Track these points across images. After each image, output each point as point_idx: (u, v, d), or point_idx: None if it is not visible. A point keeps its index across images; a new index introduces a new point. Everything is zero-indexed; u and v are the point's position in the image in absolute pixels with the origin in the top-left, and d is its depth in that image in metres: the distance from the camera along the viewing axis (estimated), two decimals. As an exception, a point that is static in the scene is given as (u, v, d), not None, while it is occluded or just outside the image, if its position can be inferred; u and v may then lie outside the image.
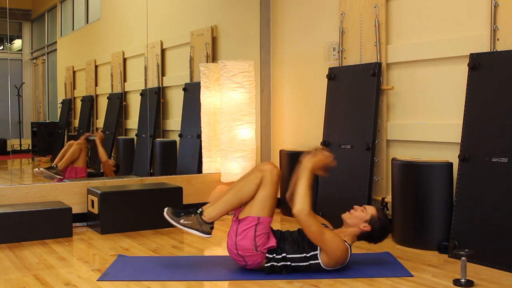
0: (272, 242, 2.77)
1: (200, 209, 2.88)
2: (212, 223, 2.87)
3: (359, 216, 2.87)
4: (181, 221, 2.86)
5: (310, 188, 2.74)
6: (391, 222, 2.95)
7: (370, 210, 2.88)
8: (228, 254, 2.93)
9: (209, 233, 2.86)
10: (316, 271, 2.75)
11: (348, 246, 2.78)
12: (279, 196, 4.73)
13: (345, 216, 2.91)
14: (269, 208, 2.78)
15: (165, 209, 2.91)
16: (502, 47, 3.16)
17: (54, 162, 5.28)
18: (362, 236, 2.88)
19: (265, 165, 2.85)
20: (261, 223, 2.75)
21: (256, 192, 2.80)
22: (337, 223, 3.00)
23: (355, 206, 2.94)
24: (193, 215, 2.86)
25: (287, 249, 2.77)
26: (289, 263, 2.76)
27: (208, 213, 2.86)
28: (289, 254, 2.76)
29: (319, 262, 2.74)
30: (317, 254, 2.74)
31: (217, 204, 2.88)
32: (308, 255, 2.75)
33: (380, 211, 2.92)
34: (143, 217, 3.98)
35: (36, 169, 5.28)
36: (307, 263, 2.75)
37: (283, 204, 4.68)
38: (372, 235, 2.87)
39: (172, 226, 2.91)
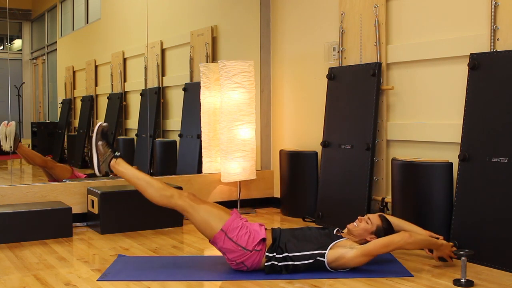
0: (261, 235, 2.77)
1: (119, 153, 2.90)
2: (112, 172, 2.89)
3: (364, 228, 2.92)
4: (99, 142, 2.87)
5: (418, 242, 2.82)
6: (393, 230, 2.97)
7: (375, 221, 2.94)
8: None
9: (102, 173, 2.89)
10: (317, 270, 2.75)
11: None
12: (278, 195, 4.76)
13: (351, 227, 2.95)
14: (218, 215, 2.80)
15: (102, 123, 2.91)
16: (502, 47, 3.16)
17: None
18: None
19: (182, 196, 2.83)
20: (228, 230, 2.76)
21: (158, 202, 2.86)
22: (337, 223, 3.00)
23: (359, 217, 2.99)
24: (110, 151, 2.88)
25: (290, 248, 2.77)
26: (290, 262, 2.76)
27: (118, 163, 2.88)
28: (292, 252, 2.76)
29: (324, 261, 2.75)
30: (324, 253, 2.75)
31: (131, 169, 2.91)
32: (314, 252, 2.75)
33: (384, 220, 2.96)
34: (143, 217, 3.98)
35: (6, 121, 4.87)
36: (312, 260, 2.75)
37: (283, 204, 4.69)
38: None
39: (92, 176, 2.94)
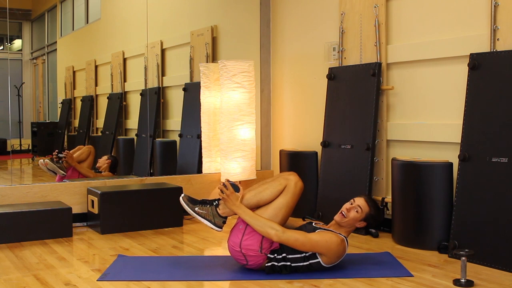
0: (276, 244, 2.77)
1: (216, 202, 2.89)
2: (226, 217, 2.88)
3: (354, 217, 2.87)
4: (196, 209, 2.87)
5: (253, 215, 2.75)
6: (382, 211, 2.98)
7: (364, 209, 2.88)
8: (229, 254, 2.93)
9: (221, 227, 2.87)
10: (317, 270, 2.75)
11: (344, 238, 2.79)
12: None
13: (339, 219, 2.89)
14: (282, 216, 2.80)
15: (182, 195, 2.92)
16: (502, 47, 3.16)
17: (66, 151, 5.27)
18: (358, 228, 2.95)
19: (291, 175, 2.87)
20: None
21: (276, 197, 2.82)
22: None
23: (346, 207, 2.90)
24: (208, 206, 2.88)
25: (287, 249, 2.77)
26: (289, 263, 2.76)
27: (224, 207, 2.86)
28: (289, 254, 2.76)
29: (319, 261, 2.75)
30: (316, 253, 2.74)
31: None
32: (307, 254, 2.75)
33: (371, 206, 2.90)
34: (143, 217, 3.98)
35: (42, 160, 5.21)
36: (307, 263, 2.75)
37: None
38: (367, 228, 2.97)
39: (187, 213, 2.92)
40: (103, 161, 5.42)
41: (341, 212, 2.89)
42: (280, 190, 2.82)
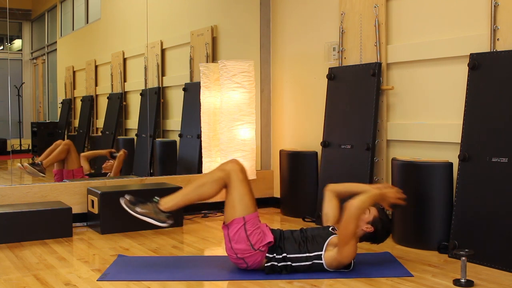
0: (269, 238, 2.76)
1: (156, 198, 2.89)
2: (169, 212, 2.88)
3: (361, 218, 2.85)
4: (137, 209, 2.87)
5: (364, 208, 2.76)
6: (391, 222, 2.95)
7: (372, 211, 2.88)
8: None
9: (165, 222, 2.87)
10: (316, 271, 2.75)
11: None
12: (278, 195, 4.76)
13: None
14: (249, 204, 2.79)
15: (122, 198, 2.92)
16: (502, 47, 3.16)
17: (40, 158, 5.21)
18: (365, 237, 2.87)
19: (228, 164, 2.86)
20: (248, 221, 2.76)
21: (217, 191, 2.84)
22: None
23: None
24: (149, 203, 2.88)
25: (288, 249, 2.77)
26: (289, 263, 2.76)
27: (165, 202, 2.87)
28: (290, 254, 2.76)
29: (322, 263, 2.74)
30: (321, 254, 2.74)
31: (176, 195, 2.90)
32: (311, 254, 2.75)
33: (381, 212, 2.91)
34: (143, 217, 3.98)
35: (20, 164, 5.18)
36: (310, 263, 2.74)
37: (283, 204, 4.68)
38: (374, 236, 2.88)
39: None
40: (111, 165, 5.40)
41: None
42: (219, 183, 2.81)
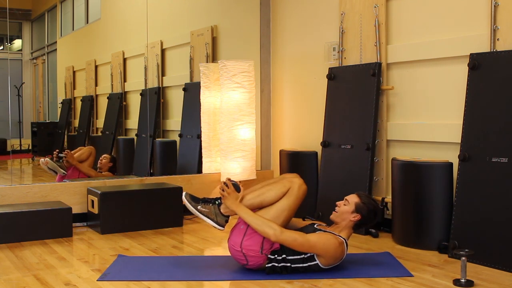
0: (277, 245, 2.77)
1: (219, 201, 2.89)
2: (228, 216, 2.88)
3: (344, 210, 2.87)
4: (199, 207, 2.87)
5: (252, 214, 2.75)
6: (374, 201, 2.95)
7: (353, 199, 2.89)
8: (229, 254, 2.93)
9: (223, 226, 2.88)
10: (316, 271, 2.75)
11: (343, 240, 2.77)
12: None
13: (333, 216, 2.92)
14: (284, 218, 2.79)
15: (184, 193, 2.92)
16: (502, 47, 3.16)
17: (67, 151, 5.29)
18: (356, 226, 2.88)
19: (296, 178, 2.87)
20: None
21: (279, 200, 2.82)
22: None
23: (337, 203, 2.94)
24: (211, 204, 2.88)
25: (287, 250, 2.77)
26: (289, 264, 2.76)
27: (226, 206, 2.86)
28: (289, 255, 2.76)
29: (317, 263, 2.74)
30: (314, 255, 2.74)
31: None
32: (306, 256, 2.75)
33: (362, 196, 2.91)
34: (143, 217, 3.98)
35: (42, 159, 5.21)
36: (306, 264, 2.75)
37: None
38: (364, 222, 2.88)
39: (188, 213, 2.93)
40: (106, 163, 5.42)
41: (334, 209, 2.92)
42: (284, 192, 2.81)
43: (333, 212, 2.92)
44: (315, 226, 2.90)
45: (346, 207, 2.87)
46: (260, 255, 2.75)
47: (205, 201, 2.90)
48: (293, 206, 2.81)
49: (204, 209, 2.87)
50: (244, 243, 2.76)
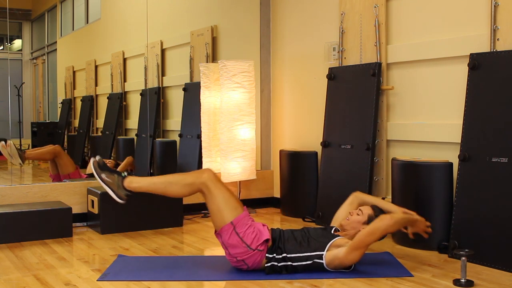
0: (265, 235, 2.76)
1: (125, 173, 2.88)
2: (130, 191, 2.87)
3: (356, 220, 2.90)
4: (103, 175, 2.86)
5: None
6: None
7: (366, 211, 2.91)
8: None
9: (122, 199, 2.87)
10: (316, 271, 2.75)
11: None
12: (278, 195, 4.76)
13: (344, 223, 2.95)
14: (234, 206, 2.79)
15: (93, 158, 2.91)
16: (502, 47, 3.16)
17: (28, 148, 5.19)
18: None
19: (203, 173, 2.82)
20: (237, 224, 2.75)
21: (184, 195, 2.88)
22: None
23: (350, 211, 2.99)
24: (115, 175, 2.87)
25: (288, 249, 2.76)
26: (289, 263, 2.75)
27: (130, 181, 2.85)
28: (290, 253, 2.76)
29: (322, 263, 2.74)
30: (322, 254, 2.74)
31: (144, 179, 2.89)
32: (312, 254, 2.74)
33: (376, 209, 2.93)
34: (143, 217, 3.98)
35: (3, 142, 5.00)
36: (310, 262, 2.74)
37: (283, 204, 4.69)
38: None
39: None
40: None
41: (346, 217, 2.96)
42: (191, 188, 2.81)
43: (345, 219, 2.95)
44: (333, 230, 2.92)
45: (359, 217, 2.89)
46: (252, 251, 2.73)
47: (111, 171, 2.88)
48: (226, 194, 2.78)
49: (107, 179, 2.85)
50: (232, 253, 2.76)
